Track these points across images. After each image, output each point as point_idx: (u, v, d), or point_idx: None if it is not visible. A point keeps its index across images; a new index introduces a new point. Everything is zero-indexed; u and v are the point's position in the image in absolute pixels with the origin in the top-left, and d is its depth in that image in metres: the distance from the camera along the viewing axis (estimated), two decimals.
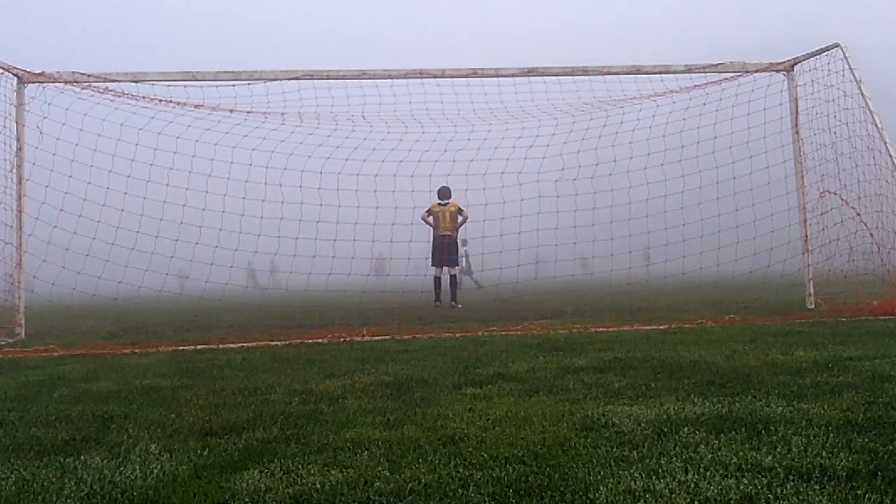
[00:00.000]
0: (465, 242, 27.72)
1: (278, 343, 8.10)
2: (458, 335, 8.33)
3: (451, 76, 10.84)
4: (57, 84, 10.39)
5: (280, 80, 10.63)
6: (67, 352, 7.92)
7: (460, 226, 14.98)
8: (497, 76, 10.93)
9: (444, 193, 14.92)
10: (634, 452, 3.07)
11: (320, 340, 8.27)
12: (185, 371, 6.04)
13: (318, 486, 2.78)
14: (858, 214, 10.37)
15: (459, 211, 14.95)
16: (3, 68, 9.88)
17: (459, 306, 14.49)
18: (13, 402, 4.81)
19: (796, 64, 11.40)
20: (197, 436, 3.67)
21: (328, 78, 10.68)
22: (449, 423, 3.71)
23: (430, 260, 15.06)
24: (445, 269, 15.31)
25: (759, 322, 8.80)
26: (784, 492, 2.53)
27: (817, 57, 11.04)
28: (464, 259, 29.60)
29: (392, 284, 16.88)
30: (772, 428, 3.36)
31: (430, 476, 2.85)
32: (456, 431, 3.52)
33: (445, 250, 14.93)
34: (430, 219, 14.93)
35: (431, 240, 14.95)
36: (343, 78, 10.72)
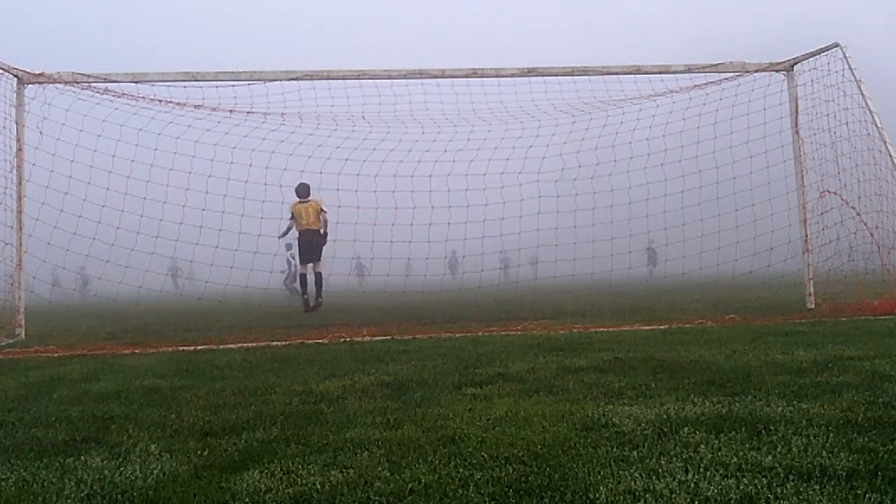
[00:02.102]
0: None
1: (279, 343, 8.09)
2: (458, 335, 8.33)
3: (451, 76, 10.83)
4: (57, 85, 10.37)
5: (280, 80, 10.62)
6: (68, 352, 7.90)
7: (323, 229, 13.58)
8: (497, 76, 10.93)
9: (304, 191, 13.54)
10: (634, 452, 3.07)
11: (321, 341, 8.27)
12: (185, 371, 6.03)
13: (319, 486, 2.78)
14: (858, 214, 10.37)
15: (321, 211, 13.68)
16: (3, 69, 9.86)
17: (322, 304, 13.66)
18: (13, 402, 4.81)
19: (796, 64, 11.39)
20: (197, 436, 3.66)
21: (328, 78, 10.67)
22: (449, 424, 3.71)
23: (299, 258, 13.80)
24: (309, 266, 14.18)
25: (759, 322, 8.79)
26: (784, 491, 2.53)
27: (817, 57, 11.03)
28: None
29: (376, 285, 16.85)
30: (772, 428, 3.36)
31: (431, 476, 2.85)
32: (456, 431, 3.52)
33: (311, 247, 13.61)
34: (291, 221, 13.61)
35: (297, 238, 13.86)
36: (343, 78, 10.70)
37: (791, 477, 2.68)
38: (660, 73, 11.26)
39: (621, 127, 12.44)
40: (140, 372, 6.10)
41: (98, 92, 10.66)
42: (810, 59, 11.15)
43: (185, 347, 8.04)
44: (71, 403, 4.68)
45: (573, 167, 12.81)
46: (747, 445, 3.11)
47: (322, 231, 13.49)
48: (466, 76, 10.84)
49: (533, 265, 27.17)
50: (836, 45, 10.69)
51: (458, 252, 14.87)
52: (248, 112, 11.35)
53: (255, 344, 8.09)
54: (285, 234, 13.88)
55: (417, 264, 13.63)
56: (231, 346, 8.03)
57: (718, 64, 11.18)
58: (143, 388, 5.19)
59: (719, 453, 3.01)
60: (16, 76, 10.12)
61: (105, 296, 11.17)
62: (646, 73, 11.17)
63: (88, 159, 10.71)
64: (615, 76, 11.24)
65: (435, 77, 10.79)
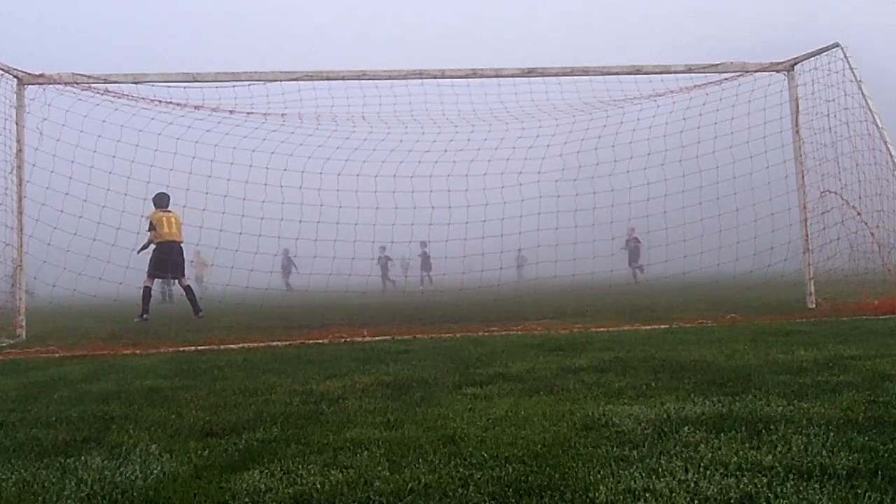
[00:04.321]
0: (424, 244, 27.99)
1: (279, 343, 8.09)
2: (458, 335, 8.33)
3: (451, 76, 10.82)
4: (57, 85, 10.35)
5: (280, 81, 10.60)
6: (68, 353, 7.89)
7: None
8: (497, 76, 10.92)
9: (164, 200, 13.23)
10: (635, 452, 3.07)
11: (321, 341, 8.27)
12: (185, 372, 6.03)
13: (319, 486, 2.79)
14: (859, 214, 10.37)
15: (180, 226, 13.34)
16: (3, 70, 9.86)
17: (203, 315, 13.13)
18: (14, 402, 4.81)
19: (796, 64, 11.38)
20: (197, 436, 3.67)
21: (328, 79, 10.66)
22: (449, 423, 3.71)
23: (150, 269, 13.18)
24: (175, 281, 13.86)
25: (759, 321, 8.79)
26: (784, 491, 2.53)
27: (818, 57, 11.02)
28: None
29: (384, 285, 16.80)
30: (772, 427, 3.36)
31: (431, 476, 2.85)
32: (456, 431, 3.52)
33: (172, 261, 13.23)
34: (151, 233, 13.12)
35: (152, 249, 13.16)
36: (343, 79, 10.70)
37: (791, 476, 2.68)
38: (660, 73, 11.25)
39: (621, 127, 12.45)
40: (140, 372, 6.10)
41: (98, 93, 10.66)
42: (811, 58, 11.14)
43: (185, 348, 8.04)
44: (71, 404, 4.68)
45: (573, 167, 12.83)
46: (747, 445, 3.11)
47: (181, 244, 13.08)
48: (466, 76, 10.84)
49: (520, 267, 27.23)
50: (837, 45, 10.68)
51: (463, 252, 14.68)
52: (249, 113, 11.36)
53: (255, 344, 8.09)
54: (145, 247, 13.16)
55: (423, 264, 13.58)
56: (231, 346, 8.03)
57: (719, 64, 11.17)
58: (144, 389, 5.19)
59: (719, 452, 3.01)
60: (16, 77, 10.11)
61: (107, 296, 11.16)
62: (646, 73, 11.16)
63: (89, 160, 10.72)
64: (615, 76, 11.22)
65: (435, 77, 10.78)
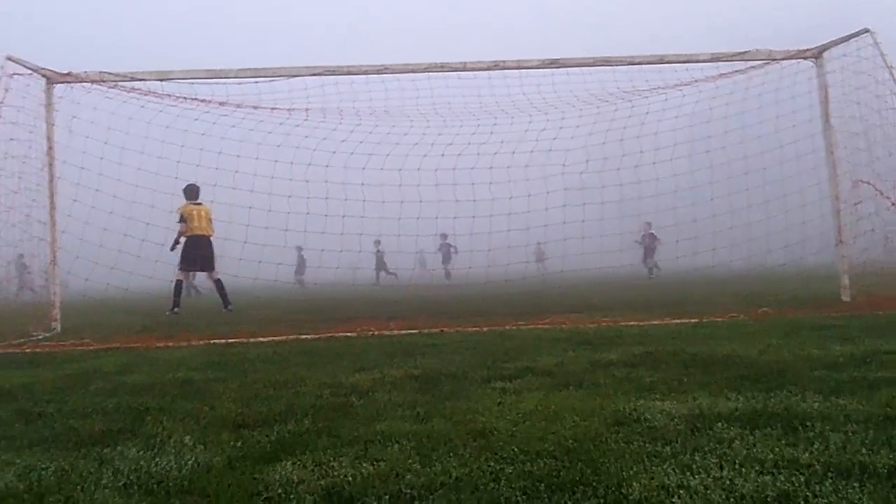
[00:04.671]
0: (444, 236, 28.06)
1: (308, 337, 8.13)
2: (485, 329, 8.31)
3: (473, 69, 10.75)
4: (84, 84, 10.47)
5: (302, 76, 10.61)
6: (102, 345, 7.99)
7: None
8: (519, 68, 10.84)
9: (195, 192, 13.37)
10: (667, 448, 3.04)
11: (349, 334, 8.29)
12: (217, 364, 6.08)
13: (350, 478, 2.79)
14: (894, 204, 10.18)
15: (210, 219, 13.43)
16: (32, 69, 10.00)
17: (232, 309, 13.27)
18: (51, 394, 4.88)
19: (825, 51, 11.17)
20: (230, 428, 3.69)
21: (349, 73, 10.64)
22: (478, 417, 3.70)
23: (181, 263, 13.36)
24: (205, 274, 13.90)
25: (793, 315, 8.66)
26: (823, 489, 2.49)
27: (846, 43, 10.81)
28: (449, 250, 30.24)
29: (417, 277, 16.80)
30: (808, 424, 3.31)
31: (461, 470, 2.84)
32: (486, 425, 3.51)
33: (202, 254, 13.31)
34: (182, 225, 13.20)
35: (182, 242, 13.23)
36: (365, 73, 10.67)
37: (829, 474, 2.63)
38: (684, 62, 11.07)
39: (647, 118, 12.33)
40: (173, 364, 6.16)
41: (125, 90, 10.77)
42: (839, 45, 10.94)
43: (216, 340, 8.10)
44: (107, 395, 4.74)
45: (598, 159, 12.73)
46: (783, 442, 3.07)
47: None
48: (488, 69, 10.77)
49: (539, 261, 27.07)
50: (867, 30, 10.47)
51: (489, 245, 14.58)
52: (272, 108, 11.41)
53: (284, 337, 8.14)
54: (177, 241, 13.20)
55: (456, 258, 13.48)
56: (261, 339, 8.08)
57: (745, 52, 10.98)
58: (177, 381, 5.24)
59: (754, 449, 2.97)
60: (44, 76, 10.24)
61: (138, 291, 11.28)
62: (669, 62, 10.98)
63: (117, 157, 10.85)
64: (638, 66, 11.10)
65: (456, 70, 10.73)
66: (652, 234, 26.22)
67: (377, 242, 27.41)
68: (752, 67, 11.39)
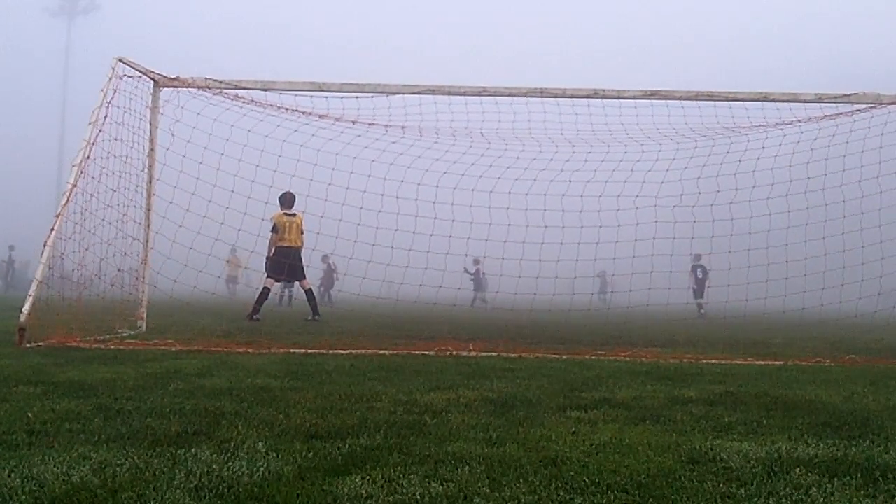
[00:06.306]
0: (477, 262, 27.25)
1: (386, 352, 8.18)
2: (564, 357, 8.22)
3: (573, 96, 10.73)
4: (190, 89, 10.81)
5: (402, 94, 10.75)
6: (185, 347, 8.20)
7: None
8: (619, 97, 10.76)
9: (290, 200, 13.56)
10: (742, 490, 2.96)
11: (427, 352, 8.32)
12: (295, 373, 6.17)
13: (419, 496, 2.80)
14: None
15: (301, 230, 13.67)
16: (141, 72, 10.36)
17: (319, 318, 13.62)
18: (131, 391, 5.04)
19: None
20: (303, 438, 3.74)
21: (449, 94, 10.75)
22: (551, 445, 3.66)
23: (269, 271, 13.64)
24: (296, 283, 14.17)
25: (880, 364, 8.30)
26: None
27: None
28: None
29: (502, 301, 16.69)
30: (890, 476, 3.17)
31: (531, 496, 2.82)
32: (558, 454, 3.47)
33: (291, 263, 13.42)
34: (273, 235, 13.45)
35: (273, 252, 13.48)
36: (464, 94, 10.76)
37: None
38: (788, 101, 10.81)
39: (745, 155, 12.08)
40: (252, 371, 6.28)
41: (228, 98, 11.10)
42: None
43: (295, 350, 8.23)
44: (185, 397, 4.87)
45: (692, 193, 12.51)
46: (862, 492, 2.94)
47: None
48: (588, 97, 10.73)
49: (602, 293, 25.97)
50: None
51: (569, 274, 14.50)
52: (370, 124, 11.60)
53: (362, 351, 8.21)
54: (271, 251, 13.51)
55: (539, 283, 13.35)
56: (340, 351, 8.17)
57: (851, 94, 10.61)
58: (254, 387, 5.35)
59: (832, 498, 2.86)
60: (153, 79, 10.61)
61: (224, 295, 11.60)
62: (773, 100, 10.73)
63: (216, 162, 11.16)
64: (741, 102, 10.88)
65: (556, 97, 10.73)
66: (702, 265, 23.66)
67: (476, 262, 26.85)
68: (858, 111, 11.00)
